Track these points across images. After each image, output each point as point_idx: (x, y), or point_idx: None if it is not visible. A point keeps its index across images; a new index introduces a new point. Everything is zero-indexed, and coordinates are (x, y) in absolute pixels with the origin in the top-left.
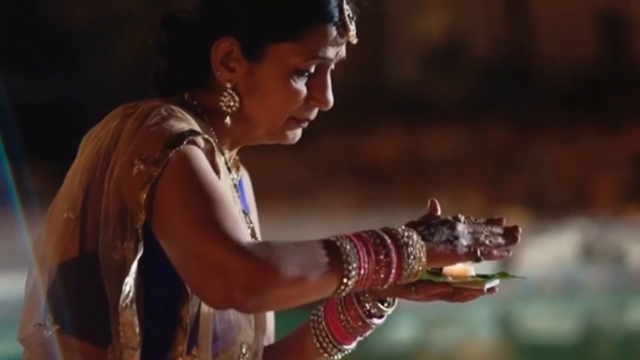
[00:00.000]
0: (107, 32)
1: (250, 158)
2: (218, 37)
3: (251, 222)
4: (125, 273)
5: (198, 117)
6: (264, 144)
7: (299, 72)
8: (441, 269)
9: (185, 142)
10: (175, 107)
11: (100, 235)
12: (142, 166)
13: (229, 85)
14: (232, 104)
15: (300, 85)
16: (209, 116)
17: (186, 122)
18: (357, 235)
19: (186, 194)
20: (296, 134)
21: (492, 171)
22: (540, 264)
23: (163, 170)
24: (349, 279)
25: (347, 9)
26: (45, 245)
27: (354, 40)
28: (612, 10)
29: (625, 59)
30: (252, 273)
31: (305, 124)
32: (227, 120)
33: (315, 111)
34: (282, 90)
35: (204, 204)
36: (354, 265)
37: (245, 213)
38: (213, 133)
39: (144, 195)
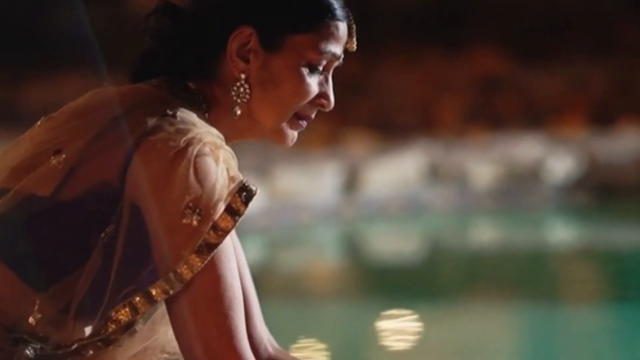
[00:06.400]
0: None
1: None
2: (234, 28)
3: None
4: None
5: (202, 113)
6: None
7: (312, 67)
8: None
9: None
10: (183, 115)
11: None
12: (195, 222)
13: (242, 76)
14: (243, 95)
15: (313, 80)
16: (211, 109)
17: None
18: None
19: (215, 297)
20: (294, 136)
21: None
22: (385, 185)
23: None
24: None
25: (351, 15)
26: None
27: (354, 47)
28: None
29: None
30: None
31: (305, 125)
32: (237, 109)
33: (315, 111)
34: (296, 83)
35: (226, 313)
36: None
37: None
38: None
39: (199, 263)
